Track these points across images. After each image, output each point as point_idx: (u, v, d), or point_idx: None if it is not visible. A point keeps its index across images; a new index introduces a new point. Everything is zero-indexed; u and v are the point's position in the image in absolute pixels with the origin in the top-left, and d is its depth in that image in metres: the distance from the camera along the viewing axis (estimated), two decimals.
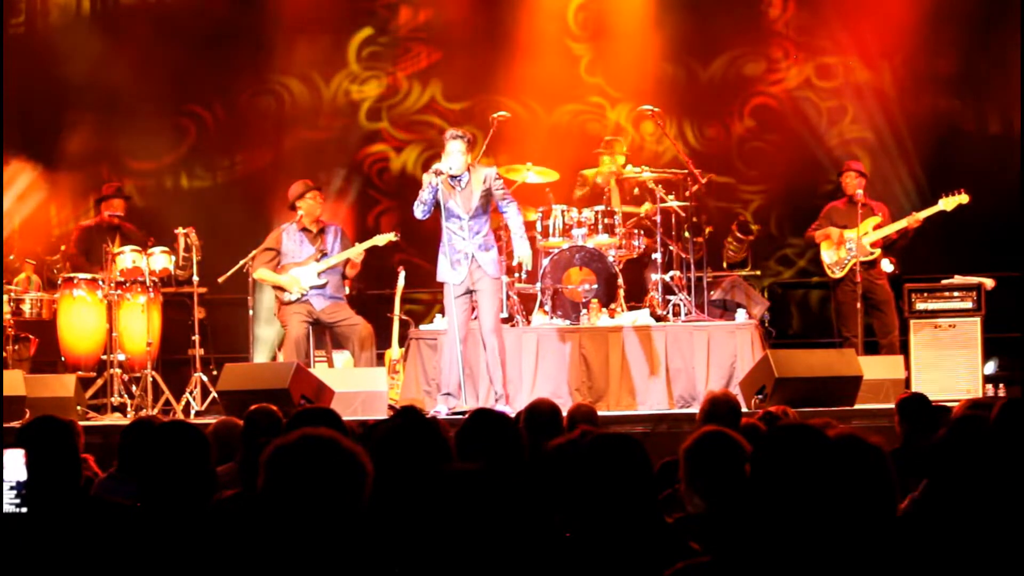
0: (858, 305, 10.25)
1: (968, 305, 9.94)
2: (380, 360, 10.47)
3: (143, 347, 10.24)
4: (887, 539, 2.91)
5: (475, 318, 9.04)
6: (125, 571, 3.49)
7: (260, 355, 11.39)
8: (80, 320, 10.31)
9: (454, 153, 8.72)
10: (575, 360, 9.75)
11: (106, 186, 11.39)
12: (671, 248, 10.66)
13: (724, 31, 12.52)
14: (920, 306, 9.96)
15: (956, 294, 9.97)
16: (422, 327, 10.43)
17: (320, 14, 12.62)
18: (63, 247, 11.10)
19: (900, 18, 12.09)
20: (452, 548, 2.55)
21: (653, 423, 8.58)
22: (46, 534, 3.59)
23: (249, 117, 12.87)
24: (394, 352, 10.85)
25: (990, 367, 10.79)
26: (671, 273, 10.55)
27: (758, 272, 11.78)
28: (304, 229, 10.01)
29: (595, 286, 10.00)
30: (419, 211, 8.80)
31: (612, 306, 10.11)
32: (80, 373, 10.10)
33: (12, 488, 3.59)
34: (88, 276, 10.36)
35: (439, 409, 8.74)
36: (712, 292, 10.94)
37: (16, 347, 10.42)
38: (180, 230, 10.47)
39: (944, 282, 10.09)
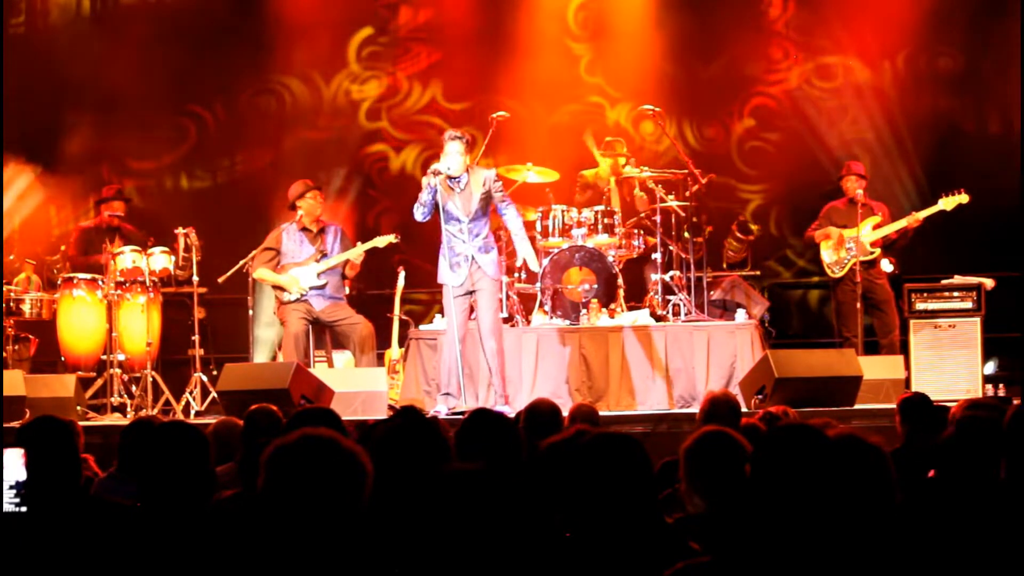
0: (858, 305, 10.25)
1: (968, 305, 9.93)
2: (380, 360, 10.47)
3: (143, 347, 10.24)
4: (887, 539, 2.91)
5: (474, 318, 9.04)
6: (125, 571, 3.49)
7: (260, 355, 11.39)
8: (80, 320, 10.30)
9: (452, 153, 8.71)
10: (575, 360, 9.75)
11: (106, 188, 11.39)
12: (671, 248, 10.66)
13: (724, 31, 12.52)
14: (920, 306, 9.95)
15: (956, 294, 9.97)
16: (422, 327, 10.43)
17: (320, 14, 12.61)
18: (63, 247, 11.10)
19: (900, 18, 12.09)
20: (452, 548, 2.55)
21: (653, 423, 8.58)
22: (46, 534, 3.59)
23: (249, 117, 12.87)
24: (394, 352, 10.86)
25: (990, 367, 10.79)
26: (671, 273, 10.55)
27: (758, 272, 11.77)
28: (304, 229, 10.01)
29: (595, 286, 10.00)
30: (419, 213, 8.79)
31: (612, 306, 10.11)
32: (80, 373, 10.10)
33: (12, 488, 3.59)
34: (88, 276, 10.36)
35: (439, 409, 8.74)
36: (712, 292, 10.94)
37: (16, 347, 10.42)
38: (180, 230, 10.46)
39: (944, 282, 10.09)
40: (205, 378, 10.27)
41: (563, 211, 10.16)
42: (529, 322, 10.20)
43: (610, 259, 10.05)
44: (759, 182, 12.65)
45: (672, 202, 10.60)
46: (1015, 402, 7.31)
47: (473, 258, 8.79)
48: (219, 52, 12.62)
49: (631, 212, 10.65)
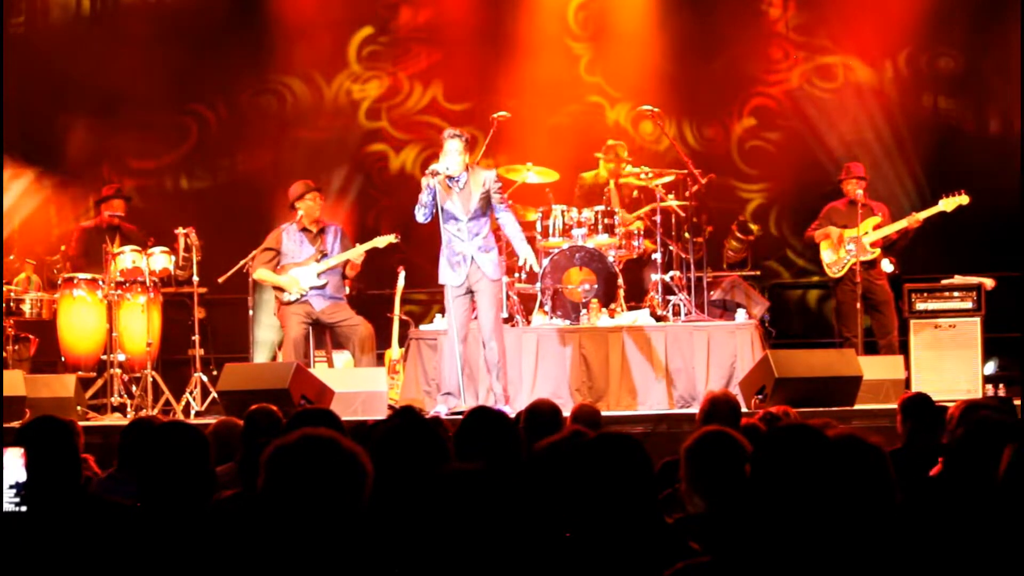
0: (858, 305, 10.25)
1: (968, 305, 9.93)
2: (380, 360, 10.47)
3: (143, 347, 10.23)
4: (887, 539, 2.91)
5: (475, 318, 9.04)
6: (125, 571, 3.49)
7: (260, 355, 11.39)
8: (80, 320, 10.30)
9: (451, 152, 8.70)
10: (575, 360, 9.75)
11: (106, 187, 11.38)
12: (671, 248, 10.66)
13: (724, 31, 12.52)
14: (920, 306, 9.95)
15: (956, 294, 9.97)
16: (422, 327, 10.43)
17: (321, 14, 12.61)
18: (63, 247, 11.10)
19: (900, 18, 12.10)
20: (452, 548, 2.55)
21: (653, 423, 8.57)
22: (46, 534, 3.59)
23: (250, 117, 12.87)
24: (394, 352, 10.86)
25: (990, 367, 10.79)
26: (671, 273, 10.55)
27: (758, 272, 11.77)
28: (304, 229, 10.01)
29: (595, 286, 10.00)
30: (420, 214, 8.78)
31: (612, 306, 10.11)
32: (80, 373, 10.10)
33: (12, 488, 3.59)
34: (88, 276, 10.35)
35: (439, 409, 8.73)
36: (712, 292, 10.94)
37: (16, 347, 10.42)
38: (180, 230, 10.46)
39: (944, 282, 10.08)
40: (205, 378, 10.27)
41: (563, 211, 10.16)
42: (529, 322, 10.20)
43: (610, 259, 10.05)
44: (759, 182, 12.65)
45: (672, 202, 10.60)
46: (1016, 402, 7.31)
47: (473, 258, 8.78)
48: (219, 52, 12.62)
49: (630, 213, 10.67)
